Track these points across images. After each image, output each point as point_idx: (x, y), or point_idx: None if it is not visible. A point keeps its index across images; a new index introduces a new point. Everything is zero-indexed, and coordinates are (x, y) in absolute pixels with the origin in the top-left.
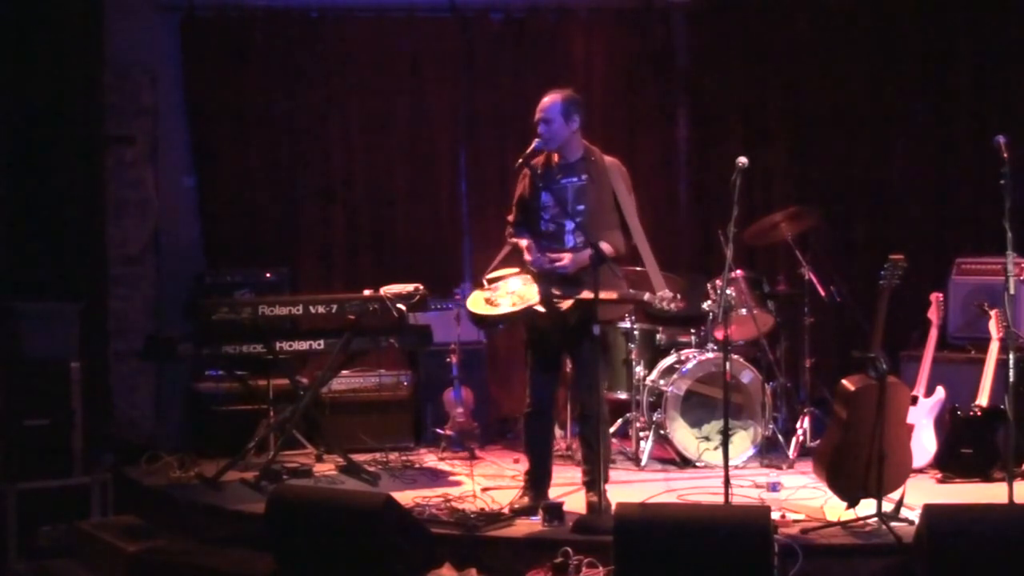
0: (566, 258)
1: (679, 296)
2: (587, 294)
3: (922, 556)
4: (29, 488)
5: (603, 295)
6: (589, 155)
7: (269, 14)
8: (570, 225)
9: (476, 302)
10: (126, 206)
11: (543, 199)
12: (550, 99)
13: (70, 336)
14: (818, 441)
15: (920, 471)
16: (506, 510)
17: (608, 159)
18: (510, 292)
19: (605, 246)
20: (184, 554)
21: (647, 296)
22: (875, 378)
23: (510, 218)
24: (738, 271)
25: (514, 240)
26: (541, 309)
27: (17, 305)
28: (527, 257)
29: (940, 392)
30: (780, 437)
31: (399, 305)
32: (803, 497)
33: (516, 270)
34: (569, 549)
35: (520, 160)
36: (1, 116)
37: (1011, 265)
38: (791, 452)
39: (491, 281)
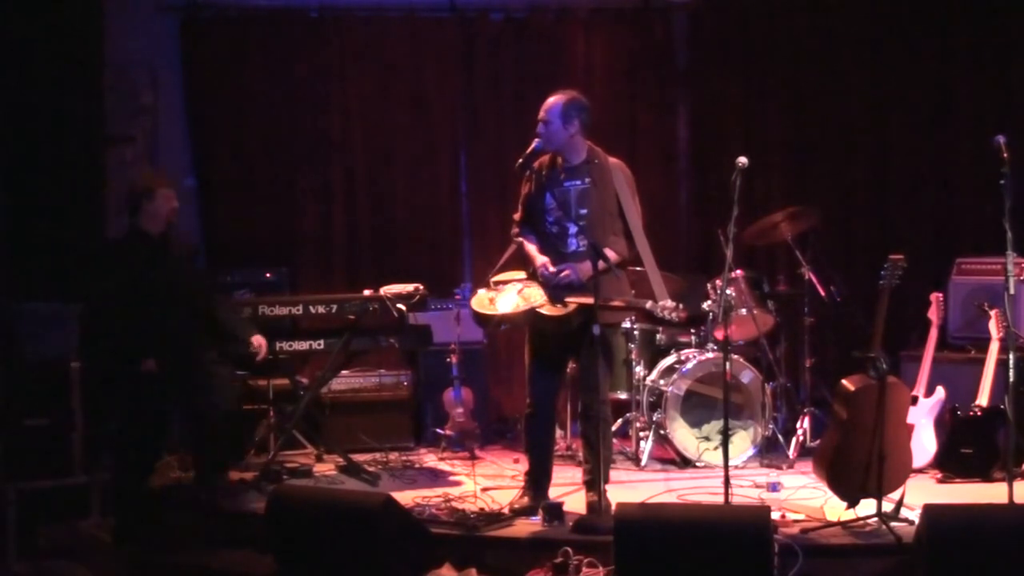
0: (571, 271)
1: (681, 306)
2: (589, 299)
3: (922, 556)
4: (29, 488)
5: (605, 302)
6: (593, 158)
7: (269, 14)
8: (573, 228)
9: (480, 301)
10: (126, 206)
11: (547, 201)
12: (552, 101)
13: (70, 336)
14: (818, 441)
15: (920, 471)
16: (506, 510)
17: (613, 161)
18: (515, 293)
19: (609, 252)
20: (184, 554)
21: (649, 304)
22: (875, 378)
23: (516, 217)
24: (738, 271)
25: (520, 240)
26: (545, 311)
27: (17, 305)
28: (536, 264)
29: (940, 392)
30: (780, 437)
31: (399, 305)
32: (803, 497)
33: (523, 275)
34: (569, 549)
35: (520, 161)
36: (1, 116)
37: (1011, 265)
38: (791, 452)
39: (497, 284)
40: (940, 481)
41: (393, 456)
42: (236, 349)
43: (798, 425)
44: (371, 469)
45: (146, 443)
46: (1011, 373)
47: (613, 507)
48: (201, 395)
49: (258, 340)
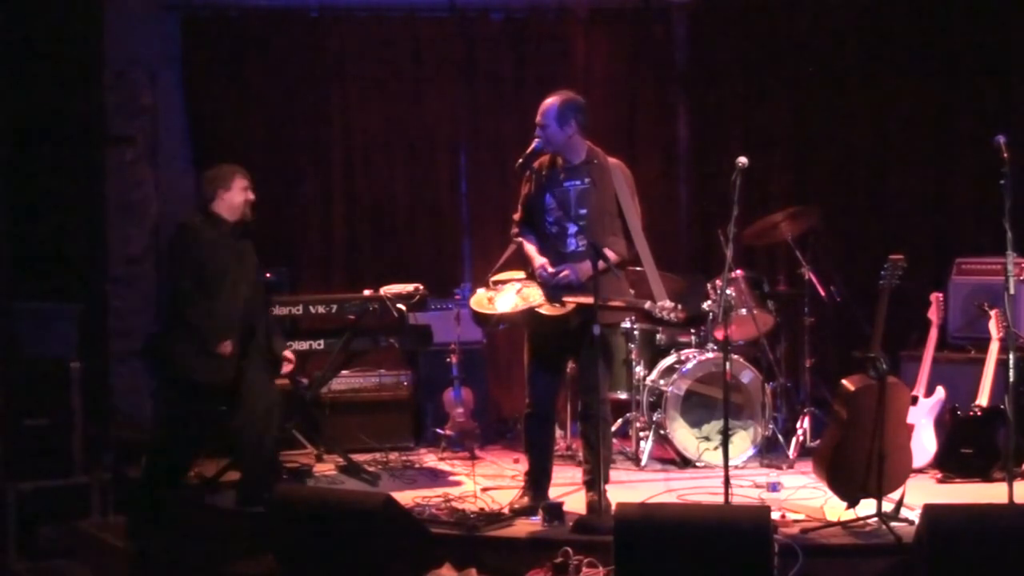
0: (570, 272)
1: (680, 307)
2: (588, 299)
3: (922, 556)
4: (29, 488)
5: (604, 302)
6: (592, 158)
7: (269, 14)
8: (572, 228)
9: (479, 301)
10: (126, 206)
11: (546, 201)
12: (547, 103)
13: (70, 336)
14: (818, 441)
15: (920, 471)
16: (506, 510)
17: (612, 161)
18: (514, 293)
19: (608, 252)
20: (184, 554)
21: (647, 305)
22: (875, 378)
23: (516, 217)
24: (738, 271)
25: (519, 240)
26: (544, 311)
27: (17, 305)
28: (535, 265)
29: (940, 392)
30: (780, 437)
31: (399, 305)
32: (803, 497)
33: (522, 275)
34: (569, 549)
35: (520, 161)
36: (1, 116)
37: (1011, 265)
38: (791, 452)
39: (496, 283)
40: (940, 481)
41: (393, 456)
42: (266, 355)
43: (798, 425)
44: (371, 469)
45: (189, 443)
46: (1011, 373)
47: (613, 507)
48: (251, 408)
49: (291, 355)
